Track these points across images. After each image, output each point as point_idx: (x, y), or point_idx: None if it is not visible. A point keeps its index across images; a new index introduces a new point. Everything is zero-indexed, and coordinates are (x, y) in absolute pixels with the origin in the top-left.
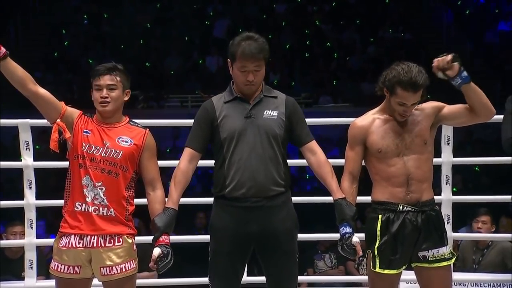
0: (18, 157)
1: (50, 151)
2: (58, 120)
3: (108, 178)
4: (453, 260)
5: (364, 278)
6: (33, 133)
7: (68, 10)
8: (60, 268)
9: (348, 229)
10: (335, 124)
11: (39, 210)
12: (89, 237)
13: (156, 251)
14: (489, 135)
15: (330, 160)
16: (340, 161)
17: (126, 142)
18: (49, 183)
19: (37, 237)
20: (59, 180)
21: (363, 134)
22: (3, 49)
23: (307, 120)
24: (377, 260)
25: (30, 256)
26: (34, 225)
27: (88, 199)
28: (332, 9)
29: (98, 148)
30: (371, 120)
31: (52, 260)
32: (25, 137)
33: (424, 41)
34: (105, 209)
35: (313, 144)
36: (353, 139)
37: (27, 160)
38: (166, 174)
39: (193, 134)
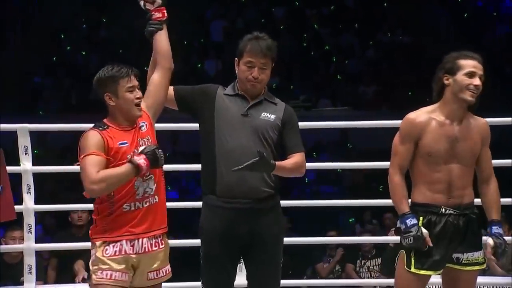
0: (17, 162)
1: (48, 155)
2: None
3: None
4: (485, 265)
5: (363, 281)
6: (32, 138)
7: (67, 15)
8: (115, 276)
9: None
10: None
11: (37, 215)
12: (140, 241)
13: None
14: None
15: None
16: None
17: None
18: (48, 188)
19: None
20: (57, 185)
21: (418, 132)
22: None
23: (308, 123)
24: (413, 260)
25: (29, 261)
26: (33, 230)
27: (139, 196)
28: (331, 12)
29: (135, 151)
30: (428, 119)
31: (98, 271)
32: (24, 142)
33: (423, 44)
34: (153, 197)
35: (297, 155)
36: (407, 134)
37: (26, 165)
38: (165, 179)
39: (185, 87)
